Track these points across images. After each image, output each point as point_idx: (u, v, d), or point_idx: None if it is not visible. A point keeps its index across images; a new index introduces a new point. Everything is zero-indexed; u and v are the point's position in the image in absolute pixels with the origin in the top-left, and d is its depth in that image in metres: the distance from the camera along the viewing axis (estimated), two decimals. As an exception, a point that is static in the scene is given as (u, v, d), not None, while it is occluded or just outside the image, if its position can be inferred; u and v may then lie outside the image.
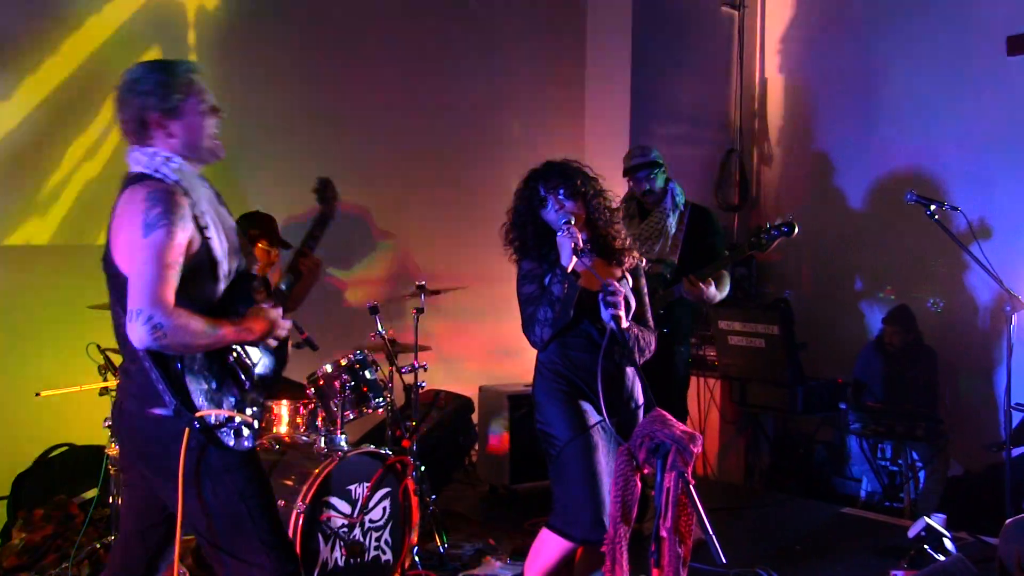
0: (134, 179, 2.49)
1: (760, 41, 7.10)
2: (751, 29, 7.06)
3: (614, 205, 3.33)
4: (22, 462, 4.32)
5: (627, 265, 3.30)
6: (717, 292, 4.45)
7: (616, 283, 3.03)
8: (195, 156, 2.58)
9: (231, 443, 2.49)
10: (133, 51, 4.71)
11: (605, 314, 3.02)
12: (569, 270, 3.07)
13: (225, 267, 2.53)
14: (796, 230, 4.21)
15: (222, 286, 2.54)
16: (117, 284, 2.46)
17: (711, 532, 2.25)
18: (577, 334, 3.19)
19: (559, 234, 3.12)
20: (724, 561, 2.22)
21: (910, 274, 6.06)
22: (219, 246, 2.50)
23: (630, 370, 3.25)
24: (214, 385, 2.50)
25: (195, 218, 2.45)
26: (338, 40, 5.50)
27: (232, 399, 2.53)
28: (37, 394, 3.87)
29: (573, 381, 3.19)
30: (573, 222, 3.13)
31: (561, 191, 3.20)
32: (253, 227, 4.29)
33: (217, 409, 2.47)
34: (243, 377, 2.58)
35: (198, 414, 2.42)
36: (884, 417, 5.53)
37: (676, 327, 4.61)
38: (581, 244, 3.05)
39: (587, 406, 3.17)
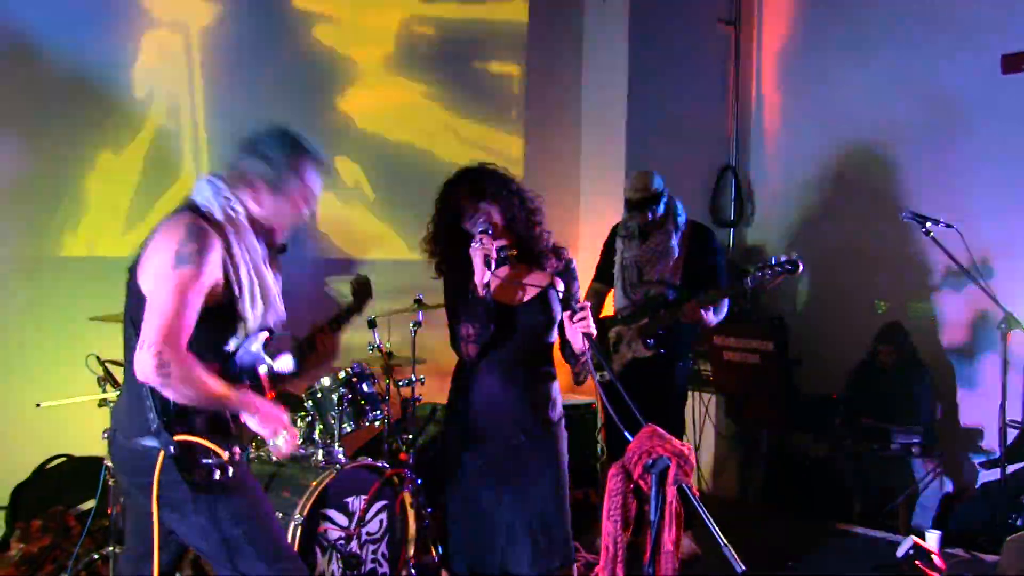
0: (187, 207, 2.52)
1: (756, 57, 7.14)
2: (747, 45, 7.11)
3: (534, 205, 3.16)
4: (21, 472, 4.33)
5: (552, 268, 3.18)
6: (714, 317, 4.49)
7: (584, 303, 2.99)
8: (264, 228, 2.63)
9: (197, 479, 2.48)
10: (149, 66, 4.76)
11: (576, 335, 2.98)
12: (483, 283, 2.97)
13: (251, 324, 2.56)
14: (800, 269, 4.13)
15: (235, 340, 2.56)
16: (135, 299, 2.48)
17: (724, 542, 2.28)
18: (496, 354, 3.10)
19: (471, 246, 3.00)
20: (743, 569, 2.25)
21: (905, 291, 6.09)
22: (248, 305, 2.52)
23: (520, 395, 3.17)
24: (202, 419, 2.51)
25: (224, 266, 2.47)
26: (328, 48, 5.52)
27: (217, 436, 2.54)
28: (38, 404, 3.89)
29: (474, 423, 3.15)
30: (490, 231, 3.00)
31: (476, 199, 3.08)
32: None
33: (199, 439, 2.47)
34: (230, 420, 2.59)
35: (176, 437, 2.43)
36: (878, 433, 5.55)
37: (676, 344, 4.64)
38: (493, 255, 2.96)
39: (467, 456, 3.15)
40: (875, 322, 5.91)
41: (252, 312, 2.53)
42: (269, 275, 2.64)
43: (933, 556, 4.28)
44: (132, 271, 2.51)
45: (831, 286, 6.50)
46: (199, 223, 2.45)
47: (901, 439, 5.47)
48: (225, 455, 2.51)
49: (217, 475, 2.50)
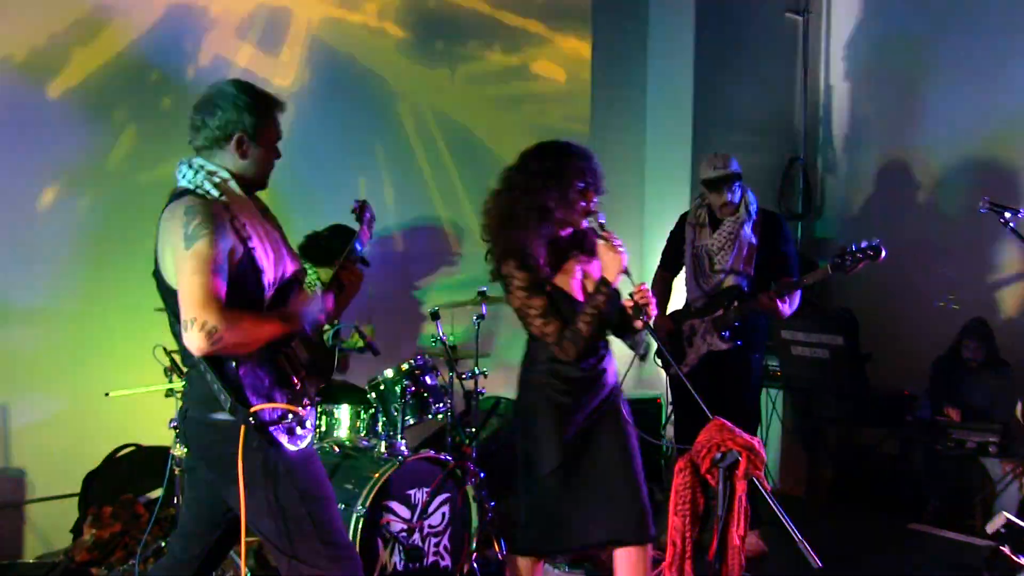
0: (178, 195, 2.57)
1: (825, 47, 6.99)
2: (816, 35, 6.96)
3: None
4: (92, 460, 4.41)
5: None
6: (788, 308, 4.38)
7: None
8: (252, 181, 2.67)
9: (284, 441, 2.55)
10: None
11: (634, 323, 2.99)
12: (615, 286, 2.96)
13: (270, 275, 2.59)
14: (883, 254, 4.02)
15: (269, 293, 2.60)
16: (168, 297, 2.55)
17: (800, 538, 2.24)
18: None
19: (602, 243, 2.95)
20: (820, 565, 2.22)
21: (981, 284, 5.91)
22: (263, 255, 2.56)
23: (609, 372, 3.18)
24: (267, 382, 2.56)
25: (235, 229, 2.51)
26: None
27: (285, 397, 2.58)
28: (106, 394, 3.97)
29: (563, 404, 3.10)
30: (605, 223, 2.96)
31: (599, 191, 3.02)
32: (337, 238, 4.36)
33: (271, 404, 2.52)
34: (293, 376, 2.63)
35: (252, 409, 2.48)
36: (954, 431, 5.38)
37: (751, 337, 4.55)
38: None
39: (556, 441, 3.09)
40: (947, 316, 5.74)
41: (267, 261, 2.57)
42: (269, 224, 2.69)
43: None
44: (157, 274, 2.59)
45: (902, 279, 6.32)
46: (193, 202, 2.49)
47: (977, 437, 5.30)
48: (301, 411, 2.59)
49: (299, 431, 2.58)
